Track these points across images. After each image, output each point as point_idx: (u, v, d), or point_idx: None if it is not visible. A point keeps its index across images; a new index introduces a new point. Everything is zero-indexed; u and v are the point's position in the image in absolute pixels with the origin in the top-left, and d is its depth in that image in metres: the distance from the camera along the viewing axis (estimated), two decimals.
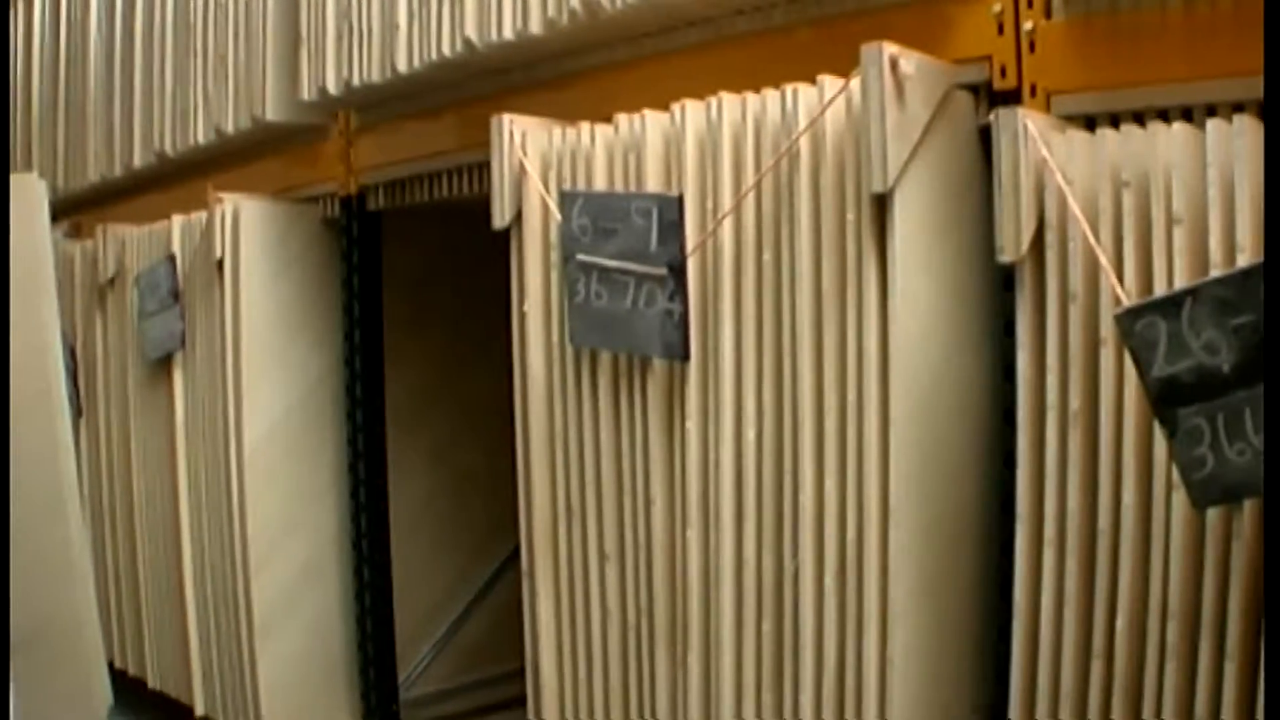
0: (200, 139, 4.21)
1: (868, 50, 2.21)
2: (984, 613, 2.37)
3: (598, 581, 2.75)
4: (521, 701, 3.03)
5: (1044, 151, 2.08)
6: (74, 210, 5.15)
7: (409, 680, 4.28)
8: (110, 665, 3.41)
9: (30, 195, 3.24)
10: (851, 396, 2.29)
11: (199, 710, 4.23)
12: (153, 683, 4.51)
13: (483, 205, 3.02)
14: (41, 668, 3.06)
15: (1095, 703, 2.06)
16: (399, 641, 4.10)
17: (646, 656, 2.67)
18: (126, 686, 4.05)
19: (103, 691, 3.26)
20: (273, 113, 3.87)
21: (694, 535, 2.53)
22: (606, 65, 3.09)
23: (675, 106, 2.57)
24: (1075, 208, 2.05)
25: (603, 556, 2.73)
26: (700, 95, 2.56)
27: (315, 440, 4.02)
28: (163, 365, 4.26)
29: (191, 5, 4.22)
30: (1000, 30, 2.33)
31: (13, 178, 4.70)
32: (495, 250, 3.00)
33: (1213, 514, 1.91)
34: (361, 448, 3.98)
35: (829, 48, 2.52)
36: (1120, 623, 2.02)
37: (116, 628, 4.64)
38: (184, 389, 4.19)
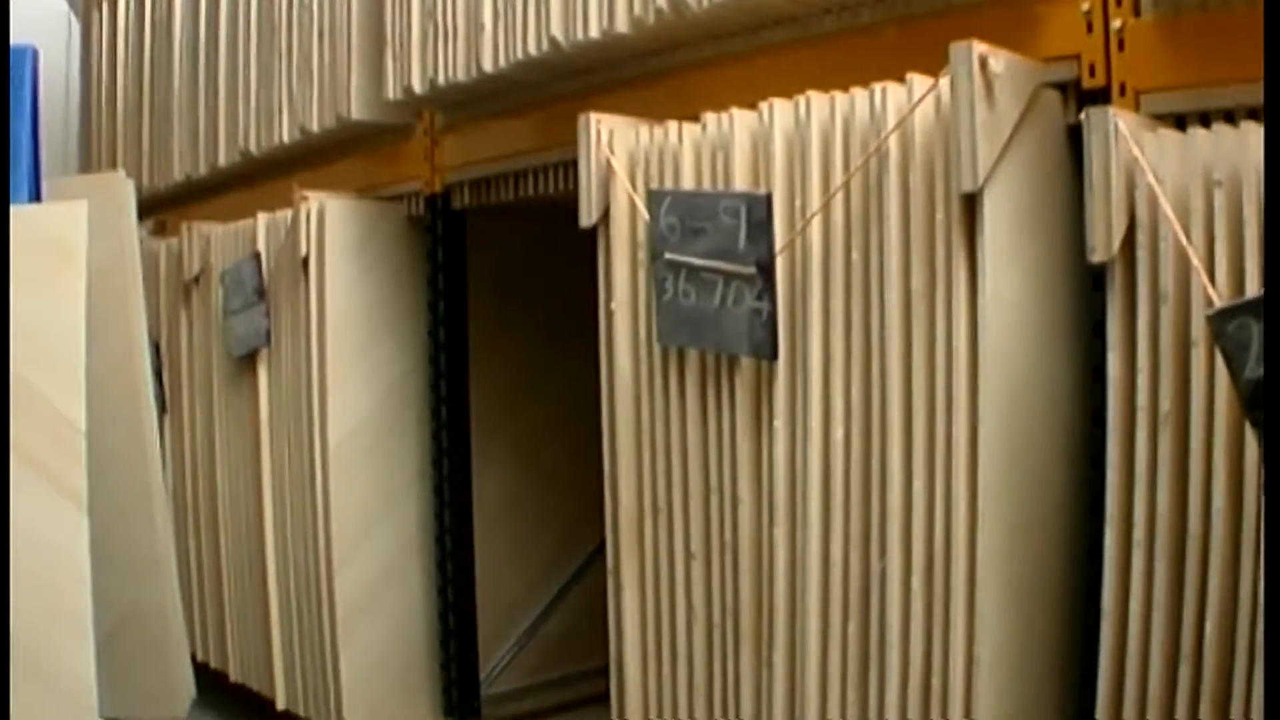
0: (285, 138, 4.24)
1: (957, 49, 2.20)
2: (1070, 615, 2.36)
3: (683, 580, 2.75)
4: (602, 699, 3.03)
5: (1135, 151, 2.07)
6: (159, 208, 5.19)
7: (490, 676, 4.30)
8: (192, 658, 3.43)
9: (118, 194, 3.27)
10: (940, 397, 2.28)
11: (280, 704, 4.26)
12: (234, 676, 4.54)
13: (567, 204, 3.03)
14: (127, 660, 3.09)
15: (1183, 706, 2.05)
16: (480, 637, 4.12)
17: (731, 655, 2.67)
18: (208, 679, 4.08)
19: (186, 684, 3.29)
20: (358, 112, 3.89)
21: (780, 534, 2.53)
22: (692, 64, 3.09)
23: (763, 105, 2.57)
24: (1167, 207, 2.03)
25: (688, 555, 2.73)
26: (786, 94, 2.56)
27: (399, 437, 4.04)
28: (247, 362, 4.30)
29: (276, 5, 4.25)
30: (1089, 28, 2.31)
31: (100, 176, 4.78)
32: (579, 248, 3.01)
33: None
34: (445, 444, 4.00)
35: (916, 46, 2.51)
36: (1209, 626, 2.01)
37: (199, 621, 4.67)
38: (269, 386, 4.22)
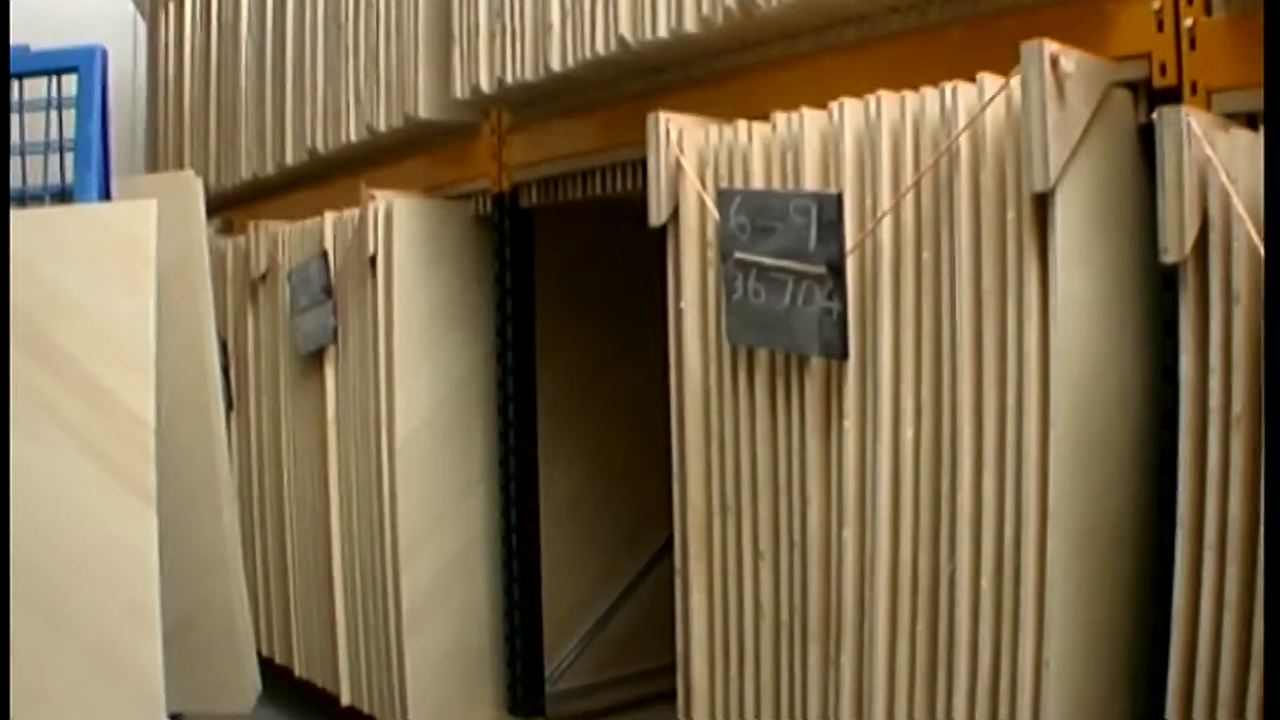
0: (352, 137, 4.25)
1: (1028, 48, 2.19)
2: (1139, 618, 2.35)
3: (751, 579, 2.75)
4: (667, 697, 3.04)
5: (1208, 150, 2.05)
6: (225, 207, 5.22)
7: (555, 674, 4.31)
8: (258, 654, 3.45)
9: (187, 192, 3.28)
10: (1011, 397, 2.28)
11: (345, 700, 4.27)
12: (299, 671, 4.57)
13: (635, 202, 3.03)
14: (194, 655, 3.10)
15: (1253, 710, 2.03)
16: (545, 635, 4.12)
17: (799, 655, 2.67)
18: (273, 674, 4.10)
19: (252, 679, 3.31)
20: (425, 111, 3.90)
21: (850, 534, 2.52)
22: (760, 63, 3.09)
23: (833, 105, 2.57)
24: (1240, 207, 2.02)
25: (757, 554, 2.73)
26: (854, 93, 2.56)
27: (465, 435, 4.05)
28: (314, 359, 4.32)
29: (343, 5, 4.27)
30: (1160, 27, 2.30)
31: (169, 175, 4.81)
32: (645, 247, 3.01)
33: None
34: (512, 442, 4.00)
35: (984, 45, 2.51)
36: None
37: (265, 617, 4.69)
38: (335, 383, 4.24)
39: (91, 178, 2.96)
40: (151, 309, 2.59)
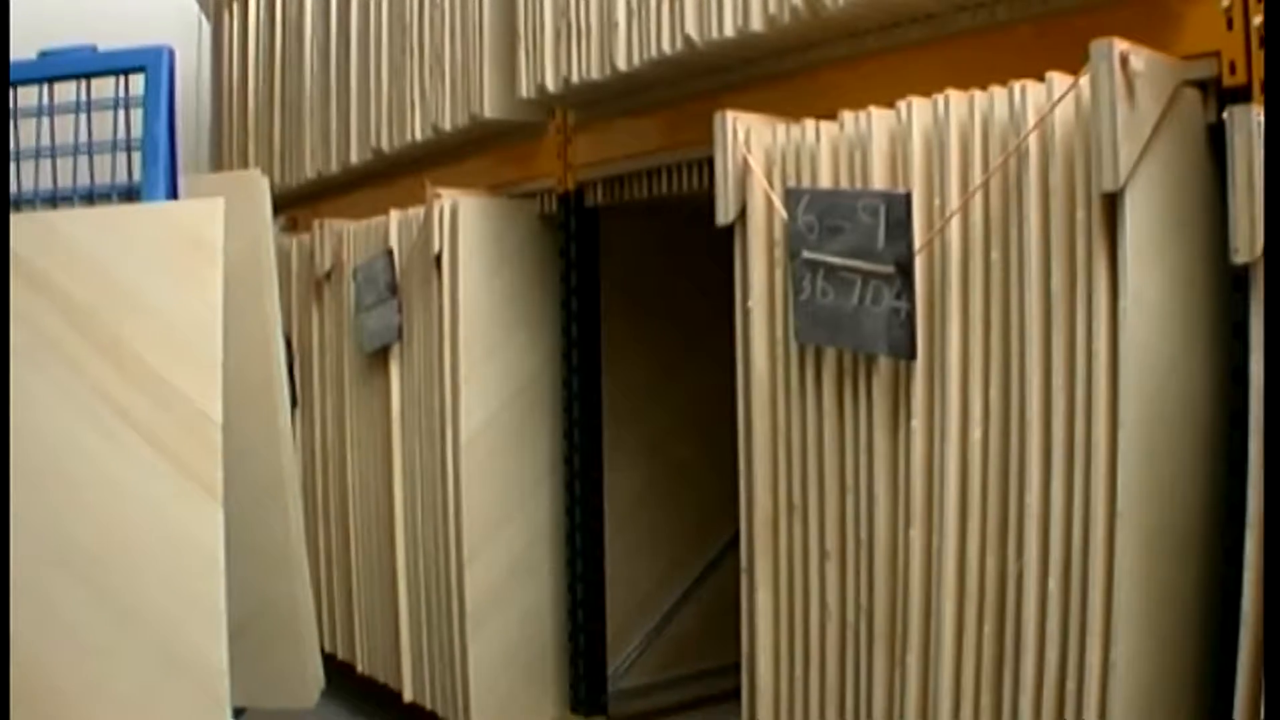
0: (417, 136, 4.26)
1: (1097, 47, 2.18)
2: (1208, 621, 2.33)
3: (817, 579, 2.75)
4: (729, 697, 3.04)
5: None
6: (290, 205, 5.24)
7: (618, 672, 4.32)
8: (321, 649, 3.46)
9: (253, 191, 3.29)
10: (1080, 398, 2.26)
11: (407, 696, 4.29)
12: (362, 667, 4.59)
13: (700, 201, 3.03)
14: (258, 650, 3.12)
15: None
16: (609, 633, 4.12)
17: (864, 656, 2.66)
18: (336, 670, 4.11)
19: (316, 674, 3.32)
20: (490, 110, 3.91)
21: (917, 535, 2.52)
22: (827, 62, 3.08)
23: (901, 104, 2.56)
24: None
25: (823, 554, 2.73)
26: (921, 92, 2.56)
27: (530, 433, 4.06)
28: (379, 357, 4.34)
29: (408, 4, 4.28)
30: (1229, 25, 2.27)
31: (236, 174, 4.84)
32: (710, 246, 3.01)
33: None
34: (577, 441, 4.00)
35: (1052, 44, 2.50)
36: None
37: (328, 613, 4.72)
38: (400, 381, 4.26)
39: (159, 176, 2.98)
40: (219, 307, 2.60)
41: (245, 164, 5.56)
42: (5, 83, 2.99)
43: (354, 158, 4.68)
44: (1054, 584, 2.30)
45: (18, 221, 2.78)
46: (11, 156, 3.05)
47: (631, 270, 4.24)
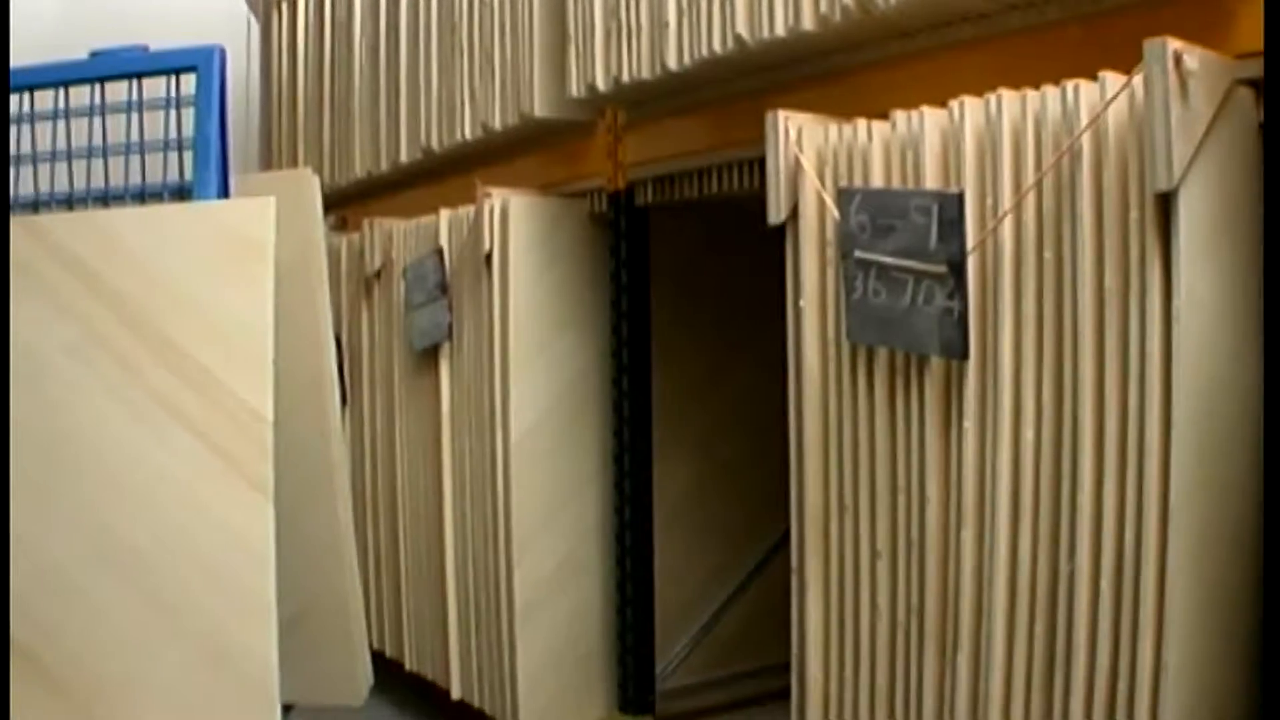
0: (467, 135, 4.27)
1: (1151, 46, 2.17)
2: (1261, 623, 2.32)
3: (868, 579, 2.75)
4: (776, 696, 3.04)
5: None
6: (339, 204, 5.26)
7: (665, 671, 4.32)
8: (368, 646, 3.47)
9: (304, 190, 3.30)
10: (1133, 398, 2.25)
11: (455, 694, 4.31)
12: (410, 665, 4.61)
13: (749, 200, 3.02)
14: (307, 646, 3.12)
15: None
16: (657, 632, 4.12)
17: (915, 656, 2.66)
18: (384, 668, 4.12)
19: (364, 671, 3.33)
20: (541, 109, 3.92)
21: (968, 535, 2.51)
22: (877, 61, 3.07)
23: (953, 103, 2.55)
24: None
25: (874, 554, 2.72)
26: (972, 91, 2.55)
27: (580, 431, 4.07)
28: (428, 356, 4.36)
29: (457, 3, 4.29)
30: None
31: (287, 173, 4.85)
32: (759, 245, 3.01)
33: None
34: (627, 439, 4.00)
35: (1104, 43, 2.48)
36: None
37: (376, 610, 4.74)
38: (450, 379, 4.27)
39: (210, 175, 2.99)
40: (270, 305, 2.61)
41: (294, 163, 5.59)
42: (5, 84, 3.00)
43: (404, 156, 4.70)
44: (1106, 585, 2.29)
45: (70, 220, 2.80)
46: (63, 156, 3.07)
47: (679, 269, 4.25)
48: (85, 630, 2.48)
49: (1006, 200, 2.44)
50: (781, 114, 2.87)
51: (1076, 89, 2.34)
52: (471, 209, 4.10)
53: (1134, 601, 2.26)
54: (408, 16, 4.64)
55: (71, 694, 2.45)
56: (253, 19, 6.30)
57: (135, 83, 3.06)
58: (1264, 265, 1.79)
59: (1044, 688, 2.42)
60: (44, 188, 3.09)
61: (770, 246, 2.96)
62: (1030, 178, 2.40)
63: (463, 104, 4.28)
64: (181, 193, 3.05)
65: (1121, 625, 2.28)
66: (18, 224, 2.73)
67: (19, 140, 3.06)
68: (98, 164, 3.06)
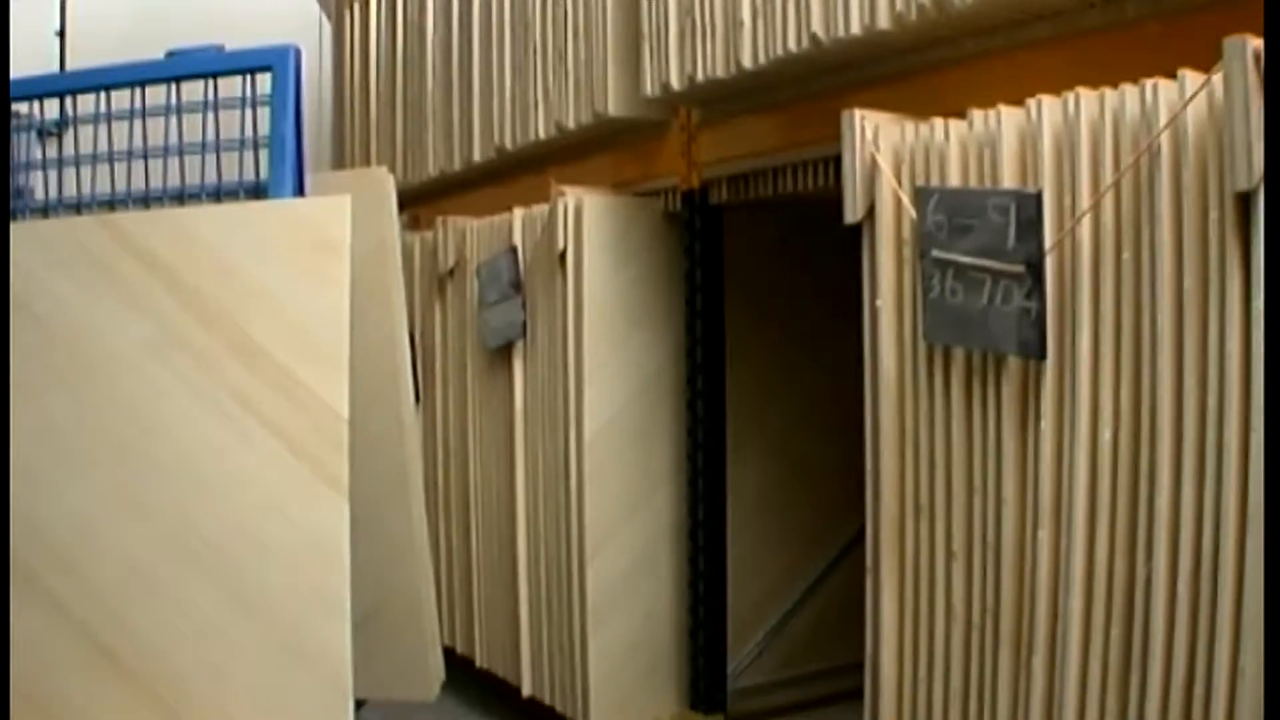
0: (541, 134, 4.29)
1: (1231, 43, 2.14)
2: None
3: (943, 580, 2.74)
4: (847, 696, 3.04)
5: None
6: (412, 203, 5.27)
7: (737, 670, 4.31)
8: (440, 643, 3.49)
9: (379, 188, 3.32)
10: (1212, 399, 2.23)
11: (526, 691, 4.33)
12: (480, 662, 4.63)
13: (823, 200, 3.01)
14: (380, 643, 3.14)
15: None
16: (728, 631, 4.14)
17: (990, 657, 2.65)
18: (455, 664, 4.13)
19: (436, 667, 3.34)
20: (615, 108, 3.93)
21: (1045, 536, 2.50)
22: (952, 59, 3.06)
23: (1031, 102, 2.54)
24: None
25: (949, 555, 2.71)
26: (1048, 90, 2.54)
27: (653, 430, 4.08)
28: (502, 354, 4.37)
29: (530, 3, 4.31)
30: None
31: (362, 171, 4.87)
32: (832, 244, 3.00)
33: None
34: (701, 438, 4.01)
35: (1181, 41, 2.47)
36: None
37: (448, 608, 4.76)
38: (523, 377, 4.29)
39: (286, 174, 3.00)
40: (345, 303, 2.62)
41: (367, 162, 5.62)
42: (5, 85, 3.02)
43: (477, 155, 4.72)
44: (1183, 588, 2.27)
45: (148, 218, 2.82)
46: (140, 155, 3.09)
47: (752, 268, 4.24)
48: (164, 625, 2.50)
49: (1085, 200, 2.42)
50: (858, 113, 2.87)
51: (1155, 87, 2.32)
52: (545, 208, 4.11)
53: (1211, 605, 2.23)
54: (480, 16, 4.66)
55: (149, 687, 2.47)
56: (324, 18, 6.33)
57: (211, 82, 3.08)
58: (1264, 265, 1.77)
59: (1119, 690, 2.40)
60: (120, 186, 3.10)
61: (843, 246, 2.96)
62: (1109, 177, 2.39)
63: (536, 103, 4.30)
64: (257, 191, 3.06)
65: (1199, 629, 2.26)
66: (96, 221, 2.75)
67: (95, 139, 3.08)
68: (174, 163, 3.08)
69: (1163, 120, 2.29)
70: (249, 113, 3.06)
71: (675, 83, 3.63)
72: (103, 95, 3.08)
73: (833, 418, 4.16)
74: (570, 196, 4.01)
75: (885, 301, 2.83)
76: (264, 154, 3.06)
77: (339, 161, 6.14)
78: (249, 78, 3.06)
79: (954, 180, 2.68)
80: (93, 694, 2.48)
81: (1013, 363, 2.55)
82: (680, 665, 4.12)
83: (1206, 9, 2.48)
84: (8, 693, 2.45)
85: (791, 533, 4.42)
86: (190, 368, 2.58)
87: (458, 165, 4.90)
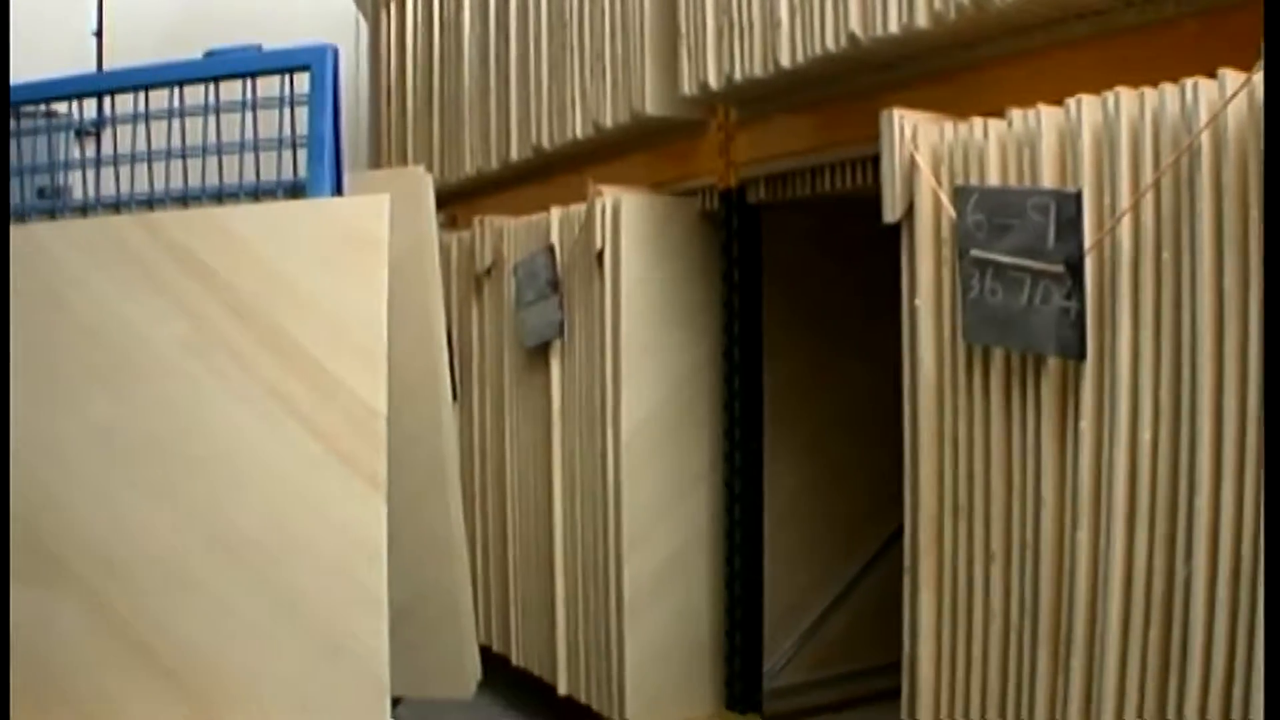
0: (578, 133, 4.29)
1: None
2: None
3: (981, 581, 2.74)
4: (883, 696, 3.03)
5: None
6: (449, 202, 5.28)
7: (773, 670, 4.31)
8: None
9: (417, 187, 3.32)
10: (1252, 400, 2.22)
11: (562, 689, 4.33)
12: (516, 660, 4.64)
13: (862, 199, 3.01)
14: (417, 640, 3.14)
15: None
16: (764, 631, 4.13)
17: (1028, 658, 2.64)
18: (491, 662, 4.13)
19: (473, 666, 3.34)
20: (652, 107, 3.93)
21: (1084, 537, 2.49)
22: (990, 59, 3.05)
23: (1070, 101, 2.53)
24: None
25: (988, 556, 2.71)
26: (1087, 89, 2.53)
27: (690, 429, 4.08)
28: (539, 353, 4.37)
29: (567, 3, 4.31)
30: None
31: (400, 170, 4.88)
32: (870, 243, 2.99)
33: None
34: (738, 438, 4.01)
35: (1221, 39, 2.46)
36: None
37: (484, 605, 4.77)
38: (560, 377, 4.30)
39: (324, 173, 3.00)
40: (384, 301, 2.62)
41: (404, 161, 5.62)
42: (5, 87, 3.03)
43: (514, 154, 4.72)
44: (1223, 589, 2.27)
45: (186, 217, 2.82)
46: (178, 154, 3.09)
47: (790, 268, 4.24)
48: (202, 622, 2.50)
49: (1124, 199, 2.41)
50: (896, 112, 2.87)
51: (1195, 86, 2.31)
52: (582, 207, 4.12)
53: (1251, 606, 2.23)
54: (517, 15, 4.66)
55: (187, 684, 2.48)
56: (360, 18, 6.35)
57: (250, 82, 3.09)
58: (1264, 264, 1.76)
59: (1158, 692, 2.39)
60: (159, 185, 3.11)
61: (881, 245, 2.95)
62: (1149, 177, 2.38)
63: (573, 102, 4.30)
64: (295, 190, 3.07)
65: (1238, 631, 2.25)
66: (134, 220, 2.76)
67: (134, 139, 3.09)
68: (212, 162, 3.08)
69: (1203, 119, 2.28)
70: (287, 112, 3.06)
71: (713, 82, 3.63)
72: (141, 95, 3.09)
73: (870, 418, 4.16)
74: (608, 196, 4.02)
75: (924, 301, 2.83)
76: (302, 153, 3.06)
77: (376, 161, 6.15)
78: (287, 77, 3.07)
79: (993, 180, 2.67)
80: (131, 691, 2.49)
81: (1052, 363, 2.54)
82: (716, 665, 4.12)
83: (1245, 8, 2.46)
84: (8, 698, 2.46)
85: (827, 533, 4.42)
86: (229, 366, 2.58)
87: (495, 164, 4.89)
